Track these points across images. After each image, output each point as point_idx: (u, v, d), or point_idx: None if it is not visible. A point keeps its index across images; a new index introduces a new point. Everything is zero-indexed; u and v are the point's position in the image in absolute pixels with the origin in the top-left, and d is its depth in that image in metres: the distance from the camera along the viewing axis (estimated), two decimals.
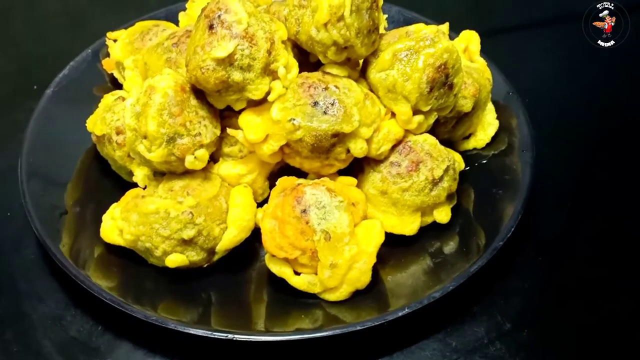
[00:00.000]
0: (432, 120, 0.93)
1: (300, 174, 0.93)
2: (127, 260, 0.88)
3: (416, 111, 0.90)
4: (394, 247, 0.90)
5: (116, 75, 1.11)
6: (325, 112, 0.85)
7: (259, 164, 0.92)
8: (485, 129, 1.05)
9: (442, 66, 0.88)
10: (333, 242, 0.81)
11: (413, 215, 0.91)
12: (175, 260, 0.84)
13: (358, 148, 0.88)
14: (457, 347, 0.84)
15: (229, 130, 0.89)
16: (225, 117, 0.93)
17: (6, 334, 0.85)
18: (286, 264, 0.84)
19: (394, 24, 1.24)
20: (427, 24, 1.17)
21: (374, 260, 0.83)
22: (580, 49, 1.32)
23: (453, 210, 0.95)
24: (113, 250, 0.88)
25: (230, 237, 0.86)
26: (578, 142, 1.18)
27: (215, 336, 0.78)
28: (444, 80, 0.89)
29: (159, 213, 0.83)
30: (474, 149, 1.05)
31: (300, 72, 0.90)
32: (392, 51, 0.89)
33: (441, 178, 0.91)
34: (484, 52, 1.08)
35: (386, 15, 1.21)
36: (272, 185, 0.92)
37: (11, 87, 1.26)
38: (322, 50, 0.88)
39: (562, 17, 1.50)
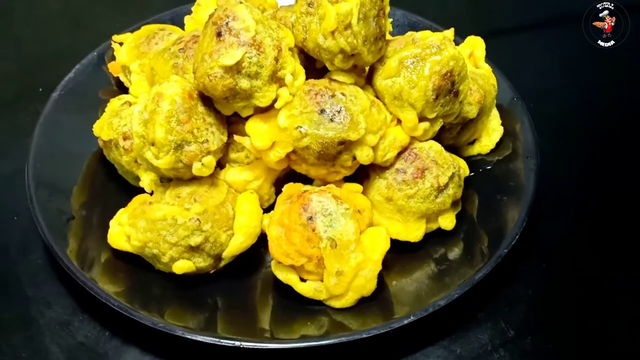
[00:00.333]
0: (437, 127, 0.93)
1: (306, 180, 0.93)
2: (134, 266, 0.89)
3: (422, 118, 0.91)
4: (399, 254, 0.91)
5: (122, 78, 1.11)
6: (332, 120, 0.86)
7: (265, 170, 0.93)
8: (489, 134, 1.06)
9: (449, 74, 0.88)
10: (339, 249, 0.82)
11: (418, 222, 0.92)
12: (182, 266, 0.84)
13: (364, 155, 0.88)
14: (461, 354, 0.85)
15: (236, 137, 0.90)
16: (232, 123, 0.93)
17: (14, 339, 0.85)
18: (292, 271, 0.85)
19: (398, 27, 1.24)
20: (431, 27, 1.20)
21: (379, 267, 0.84)
22: (580, 49, 1.32)
23: (457, 216, 0.95)
24: (120, 255, 0.89)
25: (236, 243, 0.86)
26: (581, 146, 1.19)
27: (223, 343, 0.78)
28: (450, 87, 0.89)
29: (166, 220, 0.83)
30: (479, 154, 1.06)
31: (306, 77, 0.90)
32: (398, 58, 0.89)
33: (446, 185, 0.91)
34: None
35: (391, 20, 1.21)
36: (278, 191, 0.93)
37: (16, 90, 1.26)
38: (329, 57, 0.88)
39: (561, 18, 1.50)
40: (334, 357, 0.84)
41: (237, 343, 0.78)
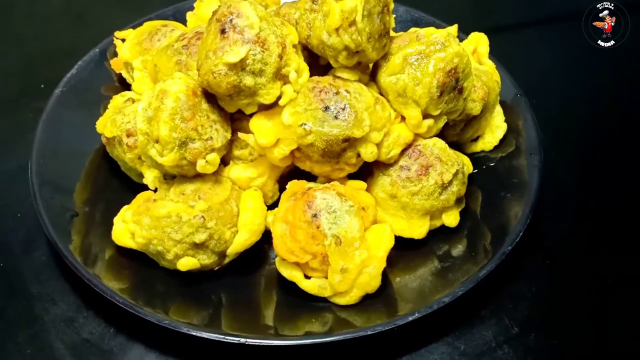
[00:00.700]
0: (441, 124, 0.93)
1: (310, 177, 0.93)
2: (138, 263, 0.89)
3: (426, 115, 0.91)
4: (403, 251, 0.91)
5: (124, 75, 1.11)
6: (336, 117, 0.86)
7: (269, 167, 0.93)
8: (493, 131, 1.06)
9: (453, 70, 0.88)
10: (344, 246, 0.82)
11: (422, 219, 0.92)
12: (186, 263, 0.85)
13: (369, 152, 0.88)
14: (465, 350, 0.85)
15: (240, 135, 0.90)
16: (236, 119, 0.93)
17: (19, 337, 0.85)
18: (297, 268, 0.85)
19: (401, 23, 1.24)
20: (434, 23, 1.20)
21: (384, 264, 0.84)
22: (581, 48, 1.32)
23: (461, 213, 0.95)
24: (124, 252, 0.89)
25: (241, 240, 0.86)
26: (584, 143, 1.19)
27: (228, 340, 0.78)
28: (454, 84, 0.89)
29: (170, 217, 0.83)
30: (482, 151, 1.06)
31: (310, 74, 0.90)
32: (402, 55, 0.89)
33: (450, 182, 0.91)
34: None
35: (394, 16, 1.21)
36: (282, 188, 0.93)
37: (18, 87, 1.25)
38: (333, 54, 0.88)
39: (564, 14, 1.50)
40: (339, 353, 0.84)
41: (242, 340, 0.78)
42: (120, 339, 0.85)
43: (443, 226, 0.94)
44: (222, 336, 0.79)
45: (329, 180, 0.92)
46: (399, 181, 0.91)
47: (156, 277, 0.88)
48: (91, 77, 1.12)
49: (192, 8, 1.17)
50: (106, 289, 0.83)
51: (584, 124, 1.23)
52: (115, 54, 1.13)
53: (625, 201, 1.07)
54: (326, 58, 0.90)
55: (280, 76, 0.86)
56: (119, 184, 1.00)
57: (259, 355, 0.83)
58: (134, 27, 1.13)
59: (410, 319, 0.81)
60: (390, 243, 0.85)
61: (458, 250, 0.93)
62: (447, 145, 0.94)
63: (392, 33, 0.95)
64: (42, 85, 1.20)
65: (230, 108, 0.89)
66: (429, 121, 0.91)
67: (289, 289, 0.86)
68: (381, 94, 0.93)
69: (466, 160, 0.98)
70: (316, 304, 0.85)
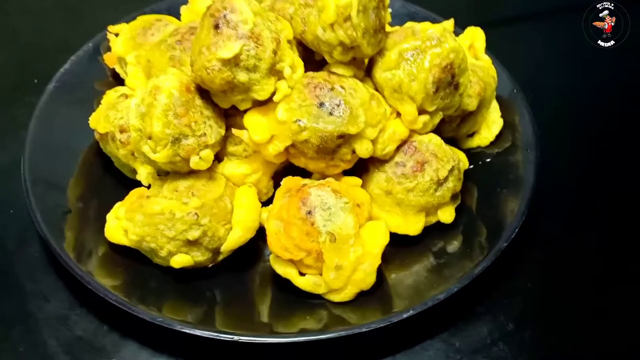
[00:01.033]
0: (437, 120, 0.93)
1: (305, 173, 0.93)
2: (132, 260, 0.88)
3: (421, 111, 0.90)
4: (398, 247, 0.91)
5: (118, 70, 1.10)
6: (331, 113, 0.85)
7: (263, 164, 0.92)
8: (489, 127, 1.05)
9: (449, 66, 0.88)
10: (338, 243, 0.81)
11: (417, 216, 0.92)
12: (180, 260, 0.84)
13: (364, 149, 0.88)
14: (460, 347, 0.85)
15: (234, 131, 0.89)
16: (230, 115, 0.92)
17: (12, 334, 0.85)
18: (291, 265, 0.84)
19: (397, 17, 1.22)
20: (430, 17, 1.19)
21: (378, 261, 0.84)
22: (577, 44, 1.31)
23: (457, 209, 0.95)
24: (117, 249, 0.88)
25: (235, 237, 0.86)
26: (579, 140, 1.18)
27: (222, 338, 0.78)
28: (450, 80, 0.89)
29: (164, 214, 0.83)
30: (478, 147, 1.05)
31: (305, 69, 0.89)
32: (398, 51, 0.88)
33: (446, 178, 0.91)
34: None
35: (390, 10, 1.20)
36: (276, 184, 0.92)
37: (11, 81, 1.24)
38: (328, 50, 0.87)
39: (562, 8, 1.49)
40: (333, 350, 0.84)
41: (236, 337, 0.78)
42: (114, 336, 0.85)
43: (438, 222, 0.94)
44: (216, 334, 0.78)
45: (324, 176, 0.91)
46: (394, 177, 0.90)
47: (150, 274, 0.88)
48: (84, 72, 1.12)
49: (186, 2, 1.16)
50: (99, 286, 0.82)
51: (581, 120, 1.23)
52: (108, 49, 1.12)
53: (620, 198, 1.07)
54: (321, 53, 0.90)
55: (275, 72, 0.85)
56: (112, 180, 1.00)
57: (253, 353, 0.83)
58: (127, 22, 1.12)
59: (405, 316, 0.80)
60: (385, 240, 0.85)
61: (453, 246, 0.92)
62: (442, 141, 0.93)
63: (387, 28, 0.94)
64: (36, 80, 1.19)
65: (224, 104, 0.88)
66: (425, 117, 0.90)
67: (283, 286, 0.86)
68: (376, 90, 0.92)
69: (462, 156, 0.98)
70: (311, 301, 0.85)
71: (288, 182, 0.88)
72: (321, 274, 0.83)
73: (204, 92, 0.87)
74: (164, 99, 0.82)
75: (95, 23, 1.22)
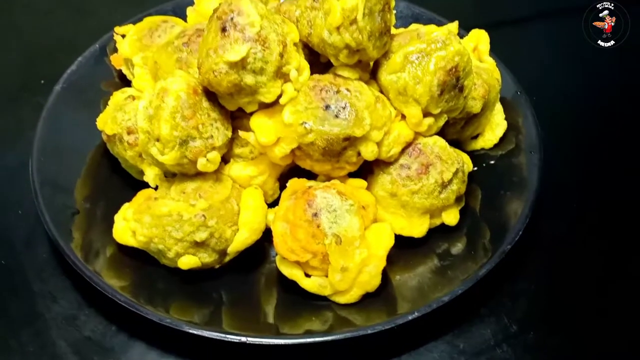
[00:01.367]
0: (442, 122, 0.93)
1: (310, 175, 0.93)
2: (139, 261, 0.89)
3: (426, 114, 0.91)
4: (403, 249, 0.91)
5: (125, 71, 1.11)
6: (336, 116, 0.86)
7: (269, 166, 0.93)
8: (493, 129, 1.06)
9: (453, 69, 0.88)
10: (344, 245, 0.82)
11: (422, 218, 0.92)
12: (187, 262, 0.85)
13: (369, 151, 0.88)
14: (464, 349, 0.86)
15: (241, 133, 0.90)
16: (236, 117, 0.93)
17: (21, 334, 0.86)
18: (297, 267, 0.85)
19: (402, 19, 1.23)
20: (434, 19, 1.20)
21: (384, 263, 0.84)
22: (581, 45, 1.32)
23: (461, 211, 0.96)
24: (125, 250, 0.89)
25: (241, 239, 0.87)
26: (582, 142, 1.19)
27: (229, 339, 0.79)
28: (454, 83, 0.89)
29: (171, 216, 0.84)
30: (482, 149, 1.06)
31: (310, 72, 0.90)
32: (403, 53, 0.89)
33: (450, 181, 0.91)
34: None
35: (395, 11, 1.21)
36: (282, 186, 0.93)
37: (18, 82, 1.25)
38: (334, 52, 0.88)
39: (565, 10, 1.49)
40: (339, 351, 0.85)
41: (243, 338, 0.79)
42: (122, 337, 0.86)
43: (443, 225, 0.94)
44: (223, 335, 0.79)
45: (329, 178, 0.92)
46: (399, 180, 0.91)
47: (157, 275, 0.89)
48: (91, 73, 1.12)
49: (192, 3, 1.16)
50: (107, 287, 0.83)
51: (584, 122, 1.23)
52: (115, 50, 1.13)
53: (624, 200, 1.07)
54: (327, 56, 0.90)
55: (281, 74, 0.86)
56: (119, 181, 1.00)
57: (259, 353, 0.84)
58: (133, 23, 1.12)
59: (410, 317, 0.81)
60: (391, 242, 0.85)
61: (458, 248, 0.93)
62: (447, 143, 0.94)
63: (392, 30, 0.95)
64: (42, 81, 1.20)
65: (230, 106, 0.89)
66: (430, 120, 0.91)
67: (289, 287, 0.86)
68: (382, 92, 0.92)
69: (466, 158, 0.98)
70: (316, 303, 0.86)
71: (294, 184, 0.89)
72: (327, 276, 0.84)
73: (211, 95, 0.88)
74: (172, 101, 0.83)
75: (101, 23, 1.23)
